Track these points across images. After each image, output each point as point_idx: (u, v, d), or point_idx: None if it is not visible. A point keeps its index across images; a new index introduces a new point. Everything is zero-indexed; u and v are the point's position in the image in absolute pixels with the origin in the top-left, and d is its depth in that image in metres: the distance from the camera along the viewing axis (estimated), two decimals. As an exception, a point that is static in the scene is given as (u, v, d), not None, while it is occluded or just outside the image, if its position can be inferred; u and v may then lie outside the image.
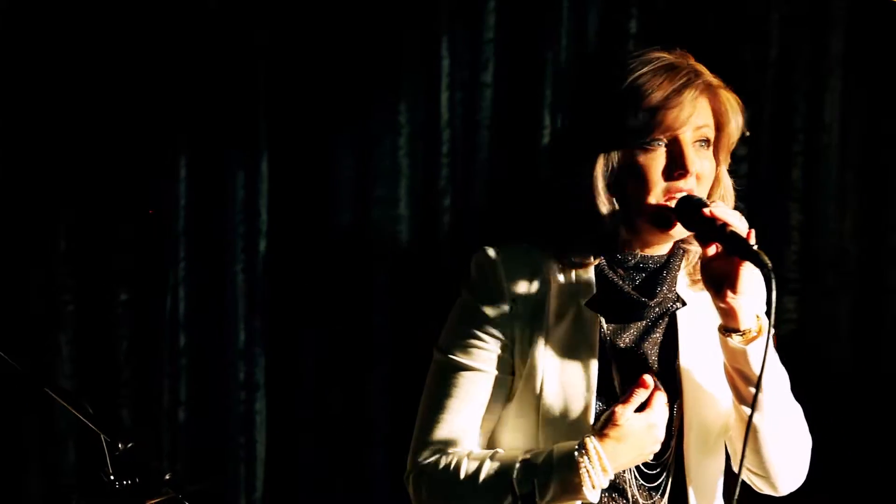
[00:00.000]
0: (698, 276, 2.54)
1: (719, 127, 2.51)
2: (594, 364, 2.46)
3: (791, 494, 2.71)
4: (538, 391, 2.44)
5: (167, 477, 5.05)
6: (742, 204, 5.89)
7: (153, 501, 4.86)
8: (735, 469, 2.67)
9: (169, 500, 4.92)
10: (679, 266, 2.57)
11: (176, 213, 6.03)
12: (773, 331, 2.28)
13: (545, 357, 2.46)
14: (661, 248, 2.54)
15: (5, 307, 5.88)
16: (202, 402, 5.91)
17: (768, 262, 2.22)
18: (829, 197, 5.91)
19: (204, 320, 6.04)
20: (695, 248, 2.56)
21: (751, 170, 5.86)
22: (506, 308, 2.51)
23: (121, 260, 6.07)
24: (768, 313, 2.22)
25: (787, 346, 4.30)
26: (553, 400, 2.44)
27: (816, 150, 6.00)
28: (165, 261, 6.11)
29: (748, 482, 2.61)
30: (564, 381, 2.44)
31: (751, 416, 2.26)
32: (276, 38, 6.47)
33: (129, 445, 5.31)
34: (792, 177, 5.91)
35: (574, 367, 2.44)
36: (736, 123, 2.54)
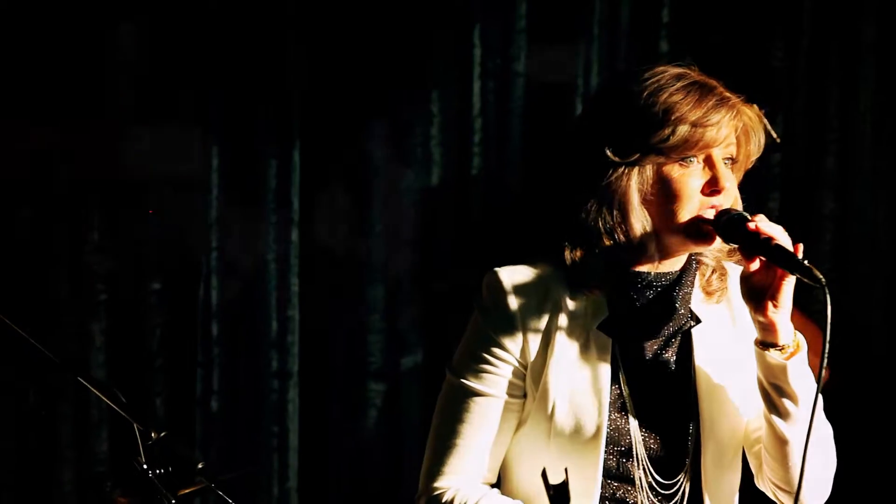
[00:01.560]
0: (712, 289, 2.54)
1: (739, 144, 2.50)
2: (606, 386, 2.45)
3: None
4: (550, 413, 2.44)
5: (200, 466, 5.05)
6: (777, 193, 5.99)
7: (186, 490, 4.86)
8: (759, 484, 2.68)
9: (202, 489, 4.93)
10: (692, 282, 2.55)
11: (209, 203, 6.03)
12: (828, 346, 2.25)
13: (557, 379, 2.45)
14: (675, 264, 2.52)
15: (39, 297, 5.89)
16: (235, 391, 5.92)
17: (822, 277, 2.20)
18: (864, 185, 5.88)
19: (236, 309, 6.05)
20: (709, 261, 2.56)
21: (784, 158, 5.84)
22: (517, 332, 2.50)
23: (153, 249, 6.08)
24: (823, 327, 2.20)
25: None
26: (564, 422, 2.43)
27: (850, 139, 5.98)
28: (198, 250, 6.12)
29: (773, 498, 2.61)
30: (576, 403, 2.43)
31: (808, 435, 2.24)
32: (308, 27, 6.47)
33: (162, 434, 5.32)
34: (826, 165, 5.89)
35: (586, 389, 2.44)
36: (756, 142, 2.52)
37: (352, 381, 5.98)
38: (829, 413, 2.59)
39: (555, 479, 2.21)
